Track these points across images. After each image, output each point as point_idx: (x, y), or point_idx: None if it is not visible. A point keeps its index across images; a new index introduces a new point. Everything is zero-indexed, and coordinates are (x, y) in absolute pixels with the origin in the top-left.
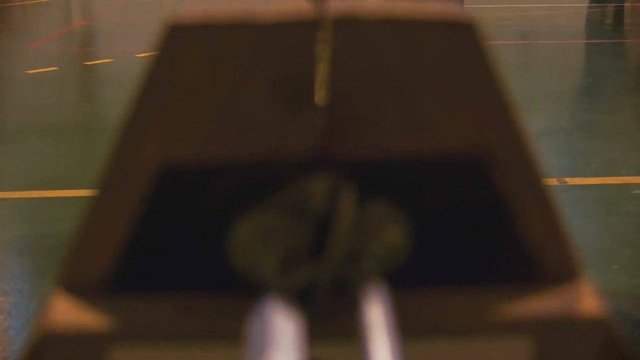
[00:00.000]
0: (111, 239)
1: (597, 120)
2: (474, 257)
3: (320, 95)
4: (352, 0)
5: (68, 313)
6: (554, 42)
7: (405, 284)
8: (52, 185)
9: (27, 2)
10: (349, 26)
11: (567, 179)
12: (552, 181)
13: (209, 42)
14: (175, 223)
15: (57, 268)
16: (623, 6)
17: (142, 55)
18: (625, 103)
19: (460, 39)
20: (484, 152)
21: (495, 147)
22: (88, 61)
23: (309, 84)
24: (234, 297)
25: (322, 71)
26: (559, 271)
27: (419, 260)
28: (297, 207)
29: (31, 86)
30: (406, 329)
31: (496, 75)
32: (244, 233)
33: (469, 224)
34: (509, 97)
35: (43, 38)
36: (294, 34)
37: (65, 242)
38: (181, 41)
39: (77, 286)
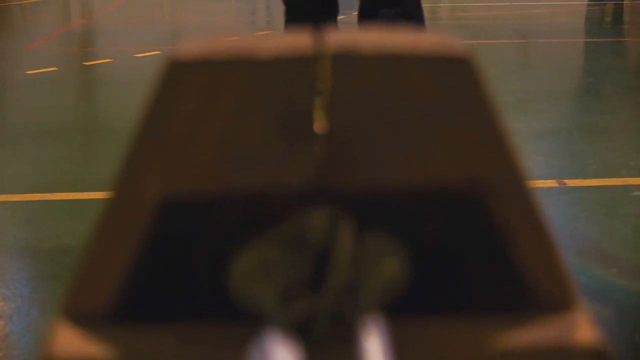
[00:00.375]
0: (114, 269)
1: (597, 121)
2: (470, 287)
3: (318, 129)
4: (350, 34)
5: (71, 342)
6: (554, 41)
7: (403, 315)
8: (52, 188)
9: (25, 1)
10: (347, 61)
11: (566, 181)
12: (552, 183)
13: (208, 77)
14: (177, 254)
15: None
16: (622, 4)
17: (141, 55)
18: (624, 103)
19: (457, 73)
20: (481, 184)
21: (492, 179)
22: (87, 61)
23: (307, 118)
24: (235, 327)
25: (320, 105)
26: (556, 301)
27: (416, 291)
28: (296, 240)
29: (31, 87)
30: None
31: (493, 108)
32: (244, 265)
33: (465, 255)
34: (505, 130)
35: (42, 38)
36: (293, 69)
37: (65, 245)
38: (181, 77)
39: (80, 315)
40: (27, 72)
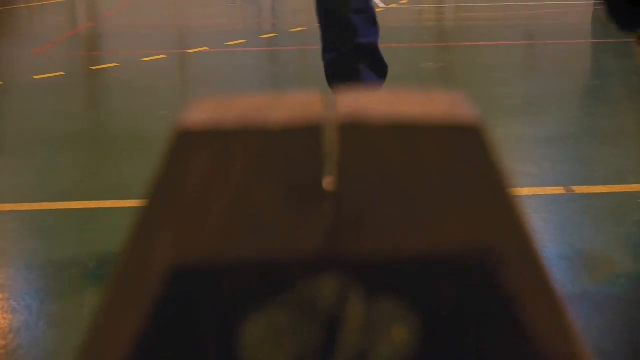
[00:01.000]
0: (123, 336)
1: (604, 125)
2: (480, 353)
3: (327, 197)
4: (359, 100)
5: None
6: (561, 42)
7: None
8: (60, 197)
9: (32, 4)
10: (356, 129)
11: (574, 188)
12: (560, 190)
13: (217, 146)
14: (186, 322)
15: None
16: None
17: (148, 59)
18: (631, 106)
19: (466, 141)
20: (490, 250)
21: (501, 245)
22: (94, 66)
23: (317, 186)
24: None
25: (329, 174)
26: None
27: (426, 357)
28: (306, 307)
29: (38, 93)
30: None
31: (501, 175)
32: (254, 332)
33: (475, 321)
34: (515, 197)
35: (49, 42)
36: (302, 137)
37: (73, 257)
38: (190, 146)
39: None
40: (34, 77)
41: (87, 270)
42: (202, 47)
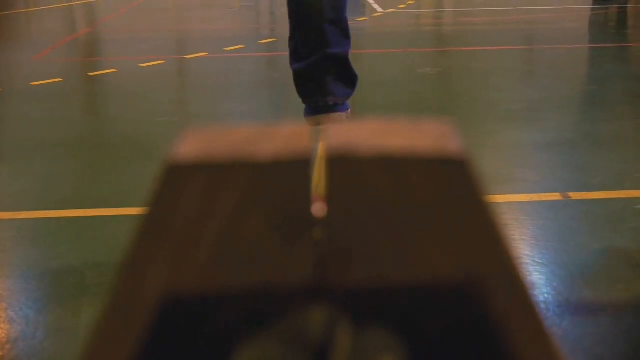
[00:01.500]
0: None
1: (601, 130)
2: None
3: (316, 229)
4: (347, 132)
5: None
6: (558, 46)
7: None
8: (58, 205)
9: (31, 10)
10: (344, 162)
11: (570, 194)
12: (557, 196)
13: (206, 179)
14: (178, 352)
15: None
16: (626, 8)
17: (146, 65)
18: (628, 111)
19: (453, 174)
20: (477, 279)
21: (487, 274)
22: (92, 72)
23: (305, 218)
24: None
25: (317, 205)
26: None
27: None
28: (295, 338)
29: (36, 99)
30: None
31: (488, 206)
32: None
33: (463, 350)
34: (501, 227)
35: (48, 48)
36: (291, 171)
37: (70, 266)
38: (180, 179)
39: None
40: (32, 83)
41: (85, 280)
42: (200, 52)
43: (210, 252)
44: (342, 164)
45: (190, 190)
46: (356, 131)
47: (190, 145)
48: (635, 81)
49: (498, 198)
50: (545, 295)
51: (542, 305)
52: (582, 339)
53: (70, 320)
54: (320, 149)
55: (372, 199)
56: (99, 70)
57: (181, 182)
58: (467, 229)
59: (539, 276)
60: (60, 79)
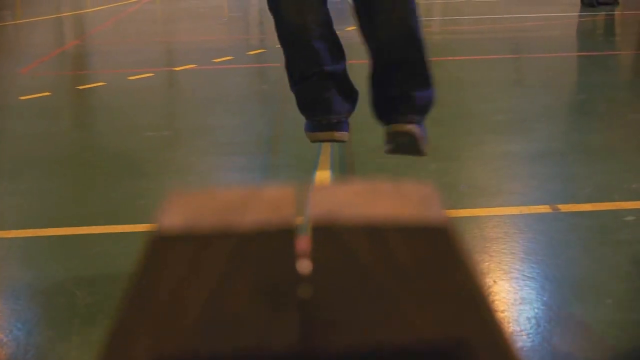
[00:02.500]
0: None
1: (589, 140)
2: None
3: (301, 294)
4: (331, 200)
5: None
6: (546, 55)
7: None
8: (47, 223)
9: (19, 22)
10: (328, 232)
11: (560, 206)
12: (546, 208)
13: (192, 250)
14: None
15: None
16: (613, 15)
17: (134, 78)
18: (616, 121)
19: (437, 241)
20: (460, 342)
21: (472, 337)
22: (81, 85)
23: (290, 286)
24: None
25: (302, 273)
26: None
27: None
28: None
29: (25, 114)
30: None
31: (472, 272)
32: None
33: None
34: (485, 292)
35: (36, 61)
36: (275, 240)
37: (60, 285)
38: (165, 250)
39: None
40: (20, 97)
41: (76, 299)
42: (189, 64)
43: (195, 321)
44: (326, 232)
45: (175, 261)
46: (340, 196)
47: (175, 214)
48: (621, 90)
49: (487, 211)
50: (535, 310)
51: (532, 320)
52: (571, 353)
53: (61, 343)
54: (305, 217)
55: (356, 265)
56: (88, 84)
57: (166, 252)
58: (450, 293)
59: (529, 290)
60: (48, 93)
